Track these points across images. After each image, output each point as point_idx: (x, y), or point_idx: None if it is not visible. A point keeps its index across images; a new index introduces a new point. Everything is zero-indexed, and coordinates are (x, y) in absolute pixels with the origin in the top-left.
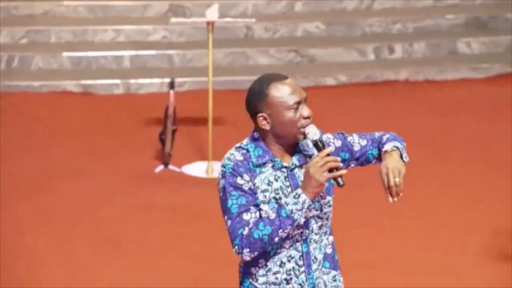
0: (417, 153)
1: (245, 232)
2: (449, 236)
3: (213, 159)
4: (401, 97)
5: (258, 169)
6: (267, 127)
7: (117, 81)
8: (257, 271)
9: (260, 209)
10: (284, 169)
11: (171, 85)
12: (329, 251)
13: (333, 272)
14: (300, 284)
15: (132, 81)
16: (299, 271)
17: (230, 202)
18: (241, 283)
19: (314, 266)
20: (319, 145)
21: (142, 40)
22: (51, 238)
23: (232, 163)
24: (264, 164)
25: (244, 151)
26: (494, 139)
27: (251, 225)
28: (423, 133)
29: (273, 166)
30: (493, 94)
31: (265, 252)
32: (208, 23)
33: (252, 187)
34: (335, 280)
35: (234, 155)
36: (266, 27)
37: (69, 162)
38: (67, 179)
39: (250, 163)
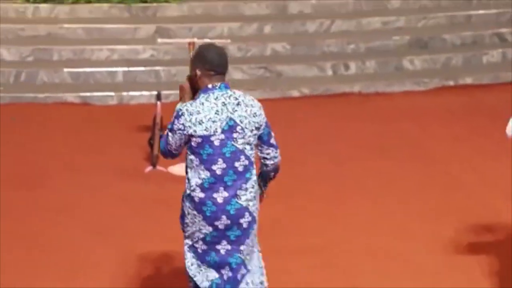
0: (366, 153)
1: None
2: (391, 223)
3: None
4: (355, 107)
5: None
6: None
7: (111, 93)
8: None
9: None
10: None
11: (158, 97)
12: None
13: None
14: None
15: (124, 93)
16: None
17: None
18: None
19: None
20: None
21: (133, 58)
22: (48, 227)
23: None
24: None
25: None
26: (430, 141)
27: None
28: (373, 137)
29: None
30: (432, 104)
31: None
32: (189, 43)
33: None
34: None
35: None
36: (239, 46)
37: (68, 160)
38: (66, 175)
39: None
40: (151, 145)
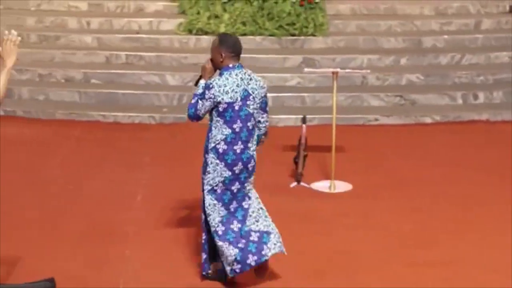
0: (491, 176)
1: None
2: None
3: (335, 178)
4: (482, 133)
5: None
6: None
7: None
8: None
9: None
10: None
11: (303, 120)
12: None
13: None
14: None
15: (273, 116)
16: None
17: None
18: None
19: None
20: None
21: (281, 85)
22: (190, 233)
23: None
24: None
25: None
26: None
27: None
28: (498, 162)
29: None
30: None
31: None
32: (333, 72)
33: None
34: None
35: None
36: (377, 76)
37: None
38: None
39: None
40: (296, 163)
